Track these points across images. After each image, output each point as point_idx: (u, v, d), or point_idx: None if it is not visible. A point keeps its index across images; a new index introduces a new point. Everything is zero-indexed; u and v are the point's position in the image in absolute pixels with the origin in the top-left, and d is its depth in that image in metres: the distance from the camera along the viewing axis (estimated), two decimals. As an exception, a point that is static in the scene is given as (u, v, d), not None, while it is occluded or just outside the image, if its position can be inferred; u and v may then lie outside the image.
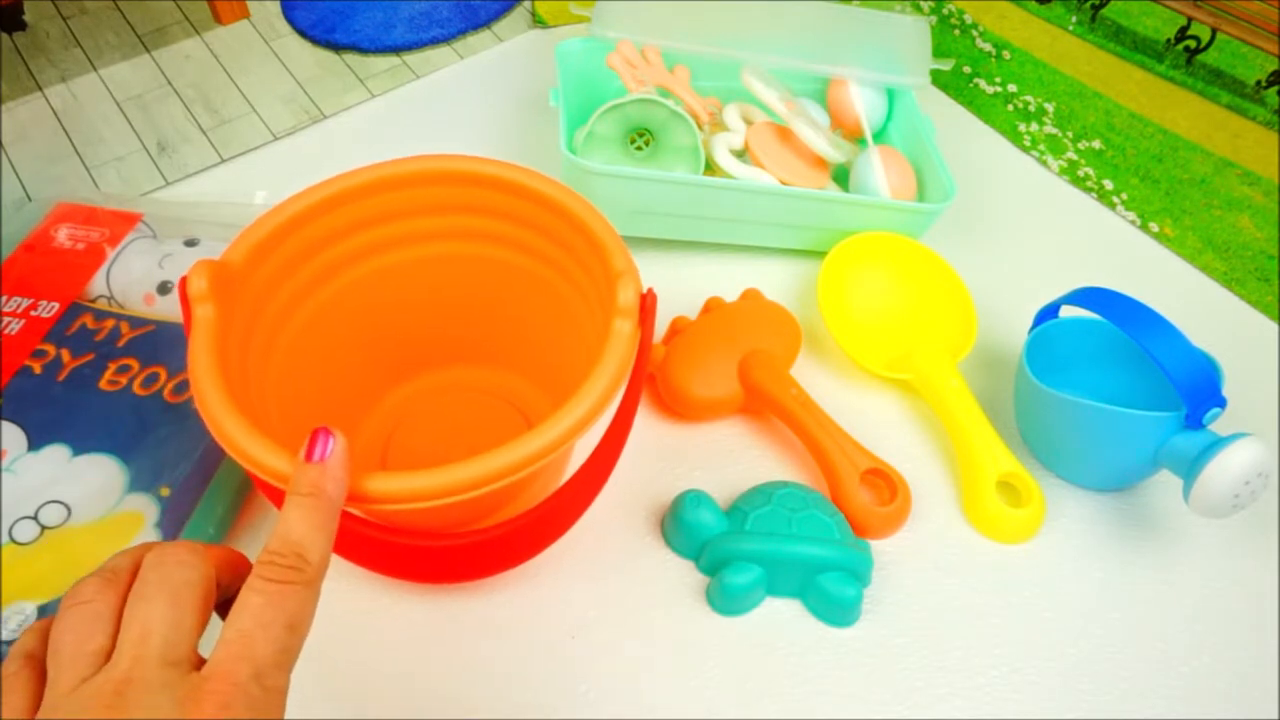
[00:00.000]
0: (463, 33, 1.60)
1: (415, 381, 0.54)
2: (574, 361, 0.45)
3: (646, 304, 0.40)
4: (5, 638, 0.40)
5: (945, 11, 0.82)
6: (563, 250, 0.47)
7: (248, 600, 0.25)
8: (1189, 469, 0.45)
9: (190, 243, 0.56)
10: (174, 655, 0.23)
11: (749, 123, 0.63)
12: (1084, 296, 0.51)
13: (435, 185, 0.46)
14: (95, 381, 0.49)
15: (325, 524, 0.28)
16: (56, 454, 0.46)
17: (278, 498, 0.40)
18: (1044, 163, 0.74)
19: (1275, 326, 0.63)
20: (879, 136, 0.68)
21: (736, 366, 0.53)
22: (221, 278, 0.39)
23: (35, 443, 0.46)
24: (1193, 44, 0.65)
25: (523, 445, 0.35)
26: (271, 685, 0.24)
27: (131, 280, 0.54)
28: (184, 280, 0.38)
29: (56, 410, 0.47)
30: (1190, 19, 0.65)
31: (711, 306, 0.57)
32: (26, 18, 1.61)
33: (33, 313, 0.51)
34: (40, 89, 1.52)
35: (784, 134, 0.62)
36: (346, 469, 0.30)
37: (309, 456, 0.30)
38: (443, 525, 0.44)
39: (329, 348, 0.48)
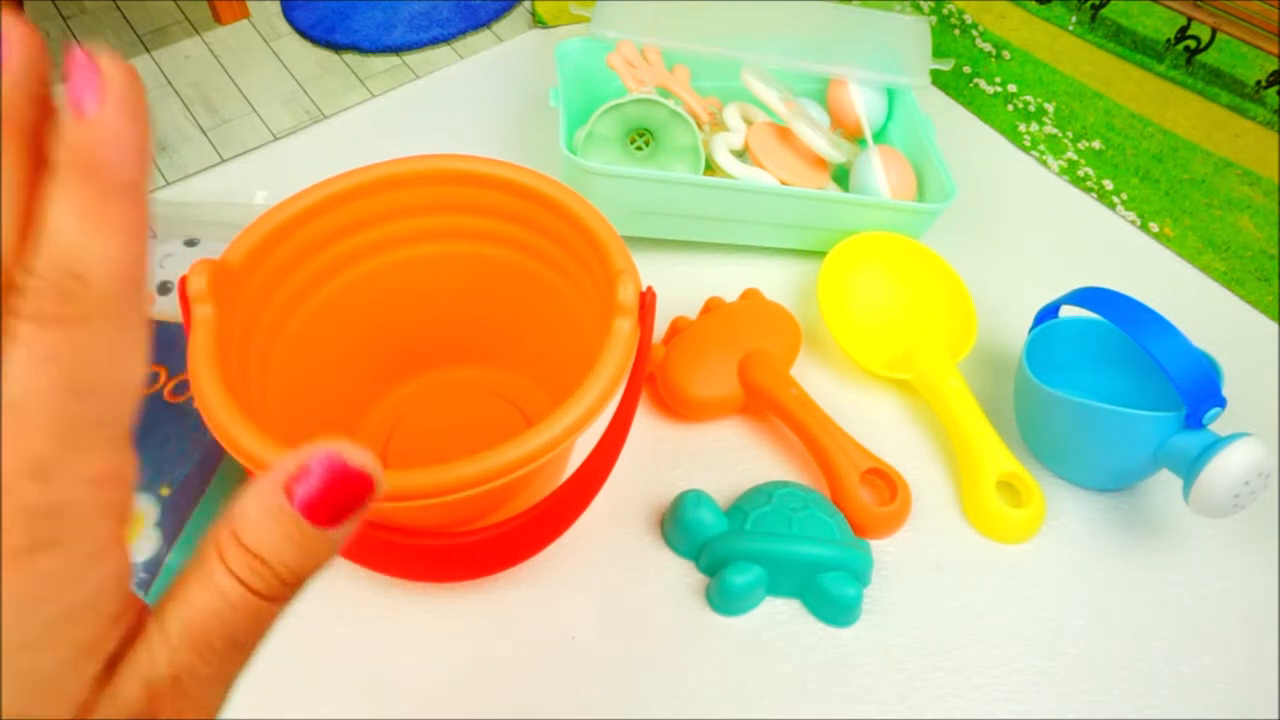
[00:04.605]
0: (463, 33, 1.60)
1: (415, 380, 0.54)
2: (574, 360, 0.45)
3: (646, 302, 0.40)
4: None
5: (945, 11, 0.82)
6: (562, 249, 0.47)
7: (12, 358, 0.16)
8: (1189, 469, 0.45)
9: (190, 243, 0.56)
10: None
11: (749, 123, 0.63)
12: (1084, 296, 0.51)
13: (435, 185, 0.46)
14: (95, 381, 0.49)
15: (110, 217, 0.16)
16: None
17: None
18: (1044, 163, 0.74)
19: (1275, 326, 0.63)
20: (879, 136, 0.68)
21: (736, 366, 0.53)
22: (221, 277, 0.39)
23: (35, 442, 0.46)
24: (1193, 44, 0.65)
25: (522, 443, 0.35)
26: (61, 482, 0.16)
27: (131, 280, 0.54)
28: (184, 280, 0.38)
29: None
30: (1190, 19, 0.65)
31: (711, 306, 0.57)
32: (26, 17, 1.62)
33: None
34: (40, 89, 1.52)
35: (784, 134, 0.62)
36: (142, 124, 0.17)
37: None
38: (443, 524, 0.44)
39: (329, 346, 0.48)
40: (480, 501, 0.44)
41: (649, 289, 0.41)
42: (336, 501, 0.18)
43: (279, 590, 0.18)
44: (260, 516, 0.18)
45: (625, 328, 0.39)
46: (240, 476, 0.48)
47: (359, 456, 0.18)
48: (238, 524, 0.18)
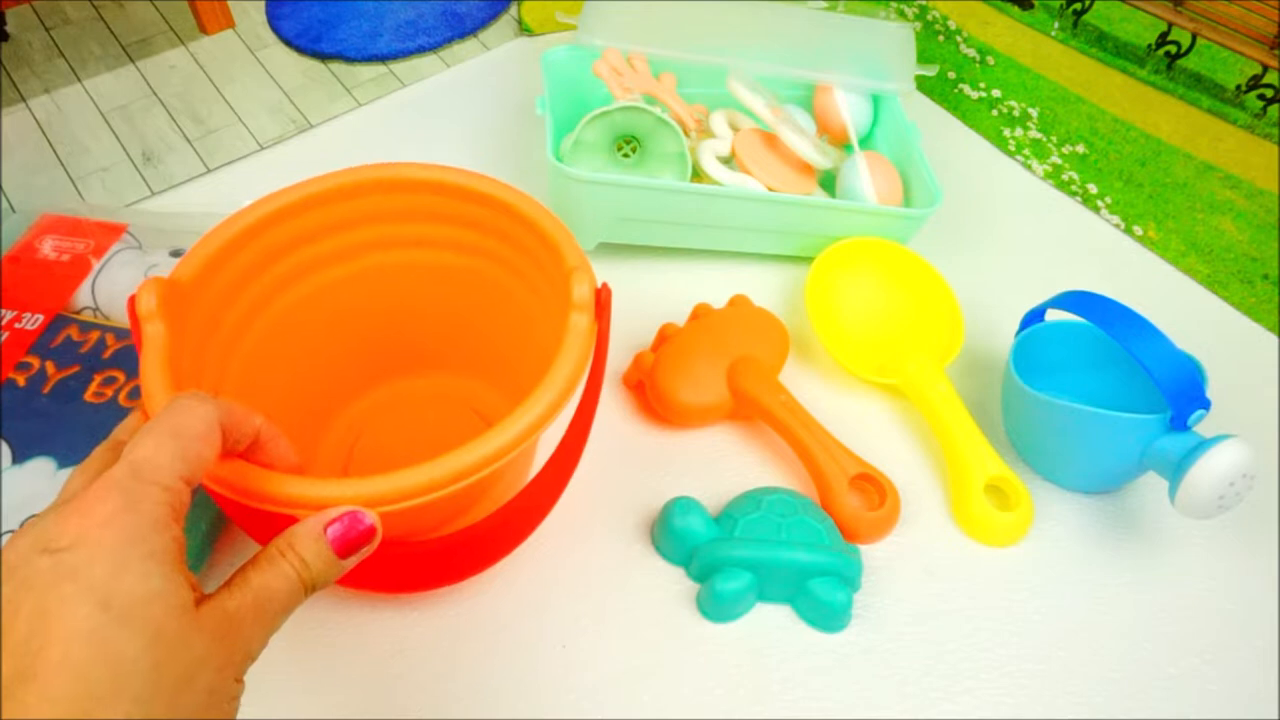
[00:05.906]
0: (449, 41, 1.60)
1: (376, 391, 0.54)
2: (533, 363, 0.45)
3: (602, 298, 0.40)
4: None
5: (930, 18, 0.83)
6: (517, 251, 0.46)
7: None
8: (1174, 471, 0.46)
9: (176, 253, 0.56)
10: (147, 473, 0.27)
11: (736, 129, 0.64)
12: (1069, 300, 0.51)
13: (384, 193, 0.46)
14: (81, 394, 0.48)
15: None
16: (42, 467, 0.45)
17: (236, 512, 0.40)
18: (1029, 167, 0.74)
19: (1257, 328, 0.63)
20: (865, 142, 0.68)
21: (725, 373, 0.53)
22: (172, 295, 0.38)
23: (20, 456, 0.46)
24: (1173, 49, 0.66)
25: (482, 445, 0.35)
26: (149, 479, 0.27)
27: (117, 291, 0.53)
28: (133, 299, 0.38)
29: (42, 423, 0.47)
30: (1170, 24, 0.66)
31: (699, 313, 0.57)
32: (9, 29, 1.61)
33: (17, 325, 0.51)
34: (24, 100, 1.51)
35: (770, 140, 0.62)
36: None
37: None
38: (407, 532, 0.44)
39: (286, 361, 0.48)
40: (444, 506, 0.44)
41: (604, 285, 0.41)
42: (350, 541, 0.31)
43: (308, 585, 0.30)
44: (307, 538, 0.31)
45: (582, 323, 0.39)
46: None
47: (371, 516, 0.32)
48: (294, 539, 0.31)
